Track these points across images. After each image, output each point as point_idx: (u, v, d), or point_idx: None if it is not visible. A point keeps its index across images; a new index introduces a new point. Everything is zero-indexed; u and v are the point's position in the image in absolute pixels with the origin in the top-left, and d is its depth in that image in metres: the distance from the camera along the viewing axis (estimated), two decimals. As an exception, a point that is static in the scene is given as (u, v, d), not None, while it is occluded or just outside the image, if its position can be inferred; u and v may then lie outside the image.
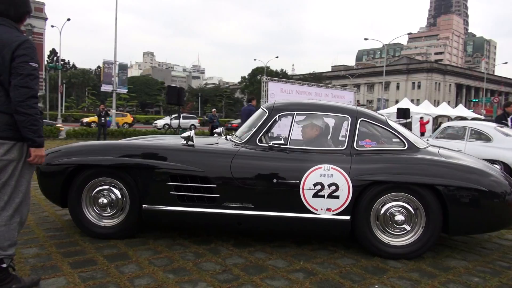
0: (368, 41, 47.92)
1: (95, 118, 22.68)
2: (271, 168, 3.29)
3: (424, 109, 23.76)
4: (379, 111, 25.36)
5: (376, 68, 72.38)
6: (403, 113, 19.20)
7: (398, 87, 67.18)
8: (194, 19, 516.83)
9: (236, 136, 3.82)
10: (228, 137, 4.02)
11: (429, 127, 21.50)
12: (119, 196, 3.40)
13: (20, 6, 2.34)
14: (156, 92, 73.30)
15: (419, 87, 65.50)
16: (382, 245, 3.23)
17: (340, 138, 3.63)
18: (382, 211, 3.24)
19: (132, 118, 32.66)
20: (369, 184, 3.20)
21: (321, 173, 3.22)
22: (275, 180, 3.23)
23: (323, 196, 3.20)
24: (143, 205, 3.33)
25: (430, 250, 3.47)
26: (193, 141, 3.44)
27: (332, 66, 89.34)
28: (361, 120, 3.51)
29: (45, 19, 65.62)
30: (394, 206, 3.24)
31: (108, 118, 16.80)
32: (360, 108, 3.76)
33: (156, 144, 3.64)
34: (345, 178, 3.20)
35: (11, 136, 2.25)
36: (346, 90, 17.60)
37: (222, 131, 4.49)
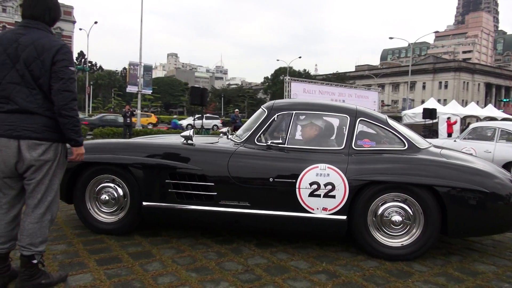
0: (393, 40, 47.18)
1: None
2: (268, 167, 3.30)
3: (451, 109, 23.13)
4: (405, 112, 24.90)
5: (401, 68, 70.97)
6: (429, 114, 18.77)
7: (424, 87, 65.68)
8: (217, 21, 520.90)
9: (237, 136, 3.84)
10: (229, 136, 4.04)
11: (456, 127, 20.90)
12: (121, 193, 3.48)
13: (55, 11, 2.42)
14: (179, 93, 74.24)
15: (446, 86, 63.84)
16: (379, 245, 3.20)
17: (339, 137, 3.60)
18: (380, 211, 3.21)
19: (156, 119, 33.22)
20: (366, 184, 3.17)
21: (317, 173, 3.21)
22: (271, 179, 3.24)
23: (319, 196, 3.19)
24: (143, 203, 3.40)
25: (457, 254, 3.39)
26: (192, 140, 3.50)
27: (355, 66, 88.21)
28: (360, 120, 3.49)
29: (74, 22, 67.57)
30: (391, 206, 3.20)
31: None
32: (360, 108, 3.73)
33: (155, 143, 3.71)
34: (341, 177, 3.18)
35: (48, 138, 2.32)
36: (370, 90, 17.34)
37: (228, 131, 4.51)
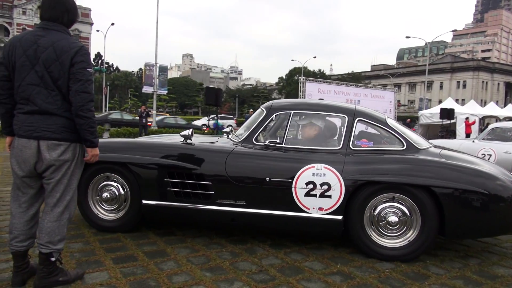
0: (409, 39, 46.58)
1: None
2: (264, 167, 3.31)
3: (469, 109, 22.68)
4: (421, 112, 24.54)
5: (418, 67, 69.92)
6: (447, 114, 18.44)
7: (441, 87, 64.57)
8: (231, 21, 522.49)
9: (236, 135, 3.86)
10: (229, 136, 4.06)
11: (475, 128, 20.48)
12: (122, 192, 3.53)
13: (73, 13, 2.45)
14: (194, 93, 74.69)
15: (464, 86, 62.64)
16: (375, 246, 3.18)
17: (337, 137, 3.60)
18: (376, 212, 3.19)
19: (171, 119, 33.39)
20: (362, 184, 3.15)
21: (313, 172, 3.20)
22: (268, 179, 3.24)
23: (315, 196, 3.19)
24: (143, 201, 3.44)
25: (475, 257, 3.32)
26: (191, 140, 3.53)
27: (371, 66, 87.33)
28: (358, 120, 3.48)
29: (91, 24, 68.66)
30: (388, 207, 3.18)
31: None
32: (359, 108, 3.71)
33: (155, 142, 3.75)
34: (337, 177, 3.17)
35: (67, 138, 2.37)
36: (386, 90, 17.15)
37: (231, 130, 4.52)
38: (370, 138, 3.52)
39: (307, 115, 3.77)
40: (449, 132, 20.59)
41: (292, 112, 3.61)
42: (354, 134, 3.42)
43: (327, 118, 3.78)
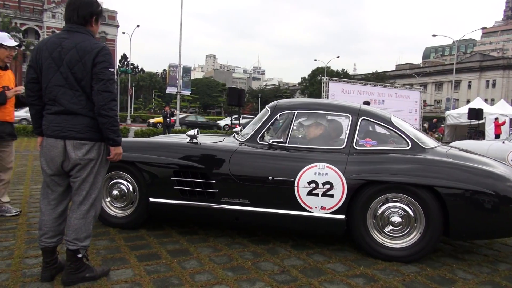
0: (436, 37, 45.47)
1: (160, 119, 23.83)
2: (267, 166, 3.32)
3: (499, 109, 21.94)
4: (448, 112, 23.92)
5: (445, 66, 68.15)
6: (475, 114, 17.94)
7: (469, 86, 62.73)
8: (254, 22, 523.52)
9: (241, 135, 3.87)
10: (235, 135, 4.07)
11: (505, 128, 19.80)
12: (131, 190, 3.61)
13: (82, 8, 2.45)
14: (217, 94, 75.23)
15: (493, 85, 60.63)
16: (378, 246, 3.14)
17: (340, 137, 3.56)
18: (379, 211, 3.15)
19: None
20: (365, 184, 3.11)
21: (315, 172, 3.19)
22: (271, 178, 3.24)
23: (317, 195, 3.17)
24: (149, 199, 3.50)
25: (505, 262, 3.21)
26: (197, 139, 3.56)
27: (396, 65, 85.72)
28: (362, 119, 3.45)
29: (117, 26, 70.18)
30: (391, 207, 3.14)
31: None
32: (364, 107, 3.67)
33: (162, 141, 3.81)
34: (339, 177, 3.15)
35: (91, 137, 2.42)
36: (412, 89, 16.81)
37: (241, 130, 4.53)
38: (374, 137, 3.49)
39: (311, 115, 3.74)
40: (477, 132, 19.99)
41: (296, 111, 3.61)
42: (357, 134, 3.40)
43: (331, 117, 3.77)
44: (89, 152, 2.42)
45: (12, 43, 3.73)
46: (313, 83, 59.08)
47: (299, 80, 76.66)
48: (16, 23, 61.04)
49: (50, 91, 2.41)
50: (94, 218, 2.54)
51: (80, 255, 2.47)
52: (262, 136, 3.58)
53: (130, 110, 40.02)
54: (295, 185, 3.21)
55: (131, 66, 65.88)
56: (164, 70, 77.27)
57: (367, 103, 12.13)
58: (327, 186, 3.17)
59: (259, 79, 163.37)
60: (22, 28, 64.32)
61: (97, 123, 2.41)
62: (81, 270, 2.49)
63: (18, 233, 3.42)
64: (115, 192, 3.63)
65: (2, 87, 3.67)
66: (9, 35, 3.78)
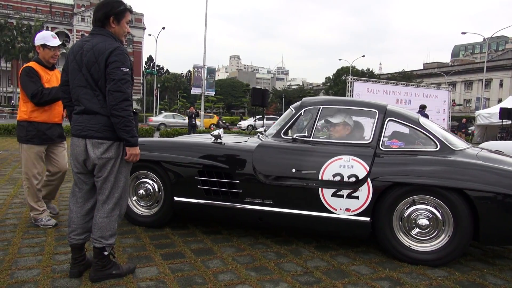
0: (466, 35, 44.09)
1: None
2: (290, 159, 3.30)
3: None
4: (479, 111, 23.18)
5: (475, 65, 66.02)
6: (507, 113, 17.27)
7: (501, 85, 60.52)
8: (277, 22, 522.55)
9: (265, 135, 3.87)
10: (260, 136, 4.06)
11: (539, 129, 19.00)
12: (156, 189, 3.67)
13: (97, 10, 2.52)
14: (241, 94, 75.57)
15: (527, 84, 58.30)
16: (405, 249, 3.08)
17: (365, 133, 3.52)
18: (406, 214, 3.08)
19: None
20: (391, 185, 3.04)
21: (341, 164, 3.18)
22: (294, 170, 3.22)
23: (342, 196, 3.13)
24: (174, 198, 3.54)
25: (539, 268, 3.08)
26: (221, 139, 3.57)
27: (423, 64, 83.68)
28: (389, 120, 3.38)
29: (144, 28, 71.57)
30: (418, 209, 3.07)
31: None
32: (390, 107, 3.58)
33: (186, 141, 3.84)
34: (365, 169, 3.11)
35: (109, 137, 2.47)
36: (440, 89, 16.38)
37: (265, 129, 4.51)
38: (400, 138, 3.41)
39: (336, 111, 3.69)
40: (509, 133, 19.27)
41: (321, 107, 3.58)
42: (384, 134, 3.33)
43: (358, 116, 3.73)
44: (106, 151, 2.47)
45: (55, 42, 3.61)
46: (338, 83, 58.43)
47: (323, 80, 75.96)
48: (47, 27, 63.18)
49: (74, 92, 2.51)
50: (119, 216, 2.60)
51: (106, 253, 2.53)
52: (287, 132, 3.58)
53: (156, 111, 40.68)
54: (319, 177, 3.18)
55: (157, 68, 66.99)
56: (189, 71, 78.25)
57: (423, 106, 12.04)
58: (353, 179, 3.12)
59: (282, 79, 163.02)
60: (53, 32, 66.51)
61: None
62: (108, 267, 2.55)
63: (48, 230, 3.53)
64: (141, 191, 3.70)
65: (52, 88, 3.53)
66: (53, 34, 3.67)
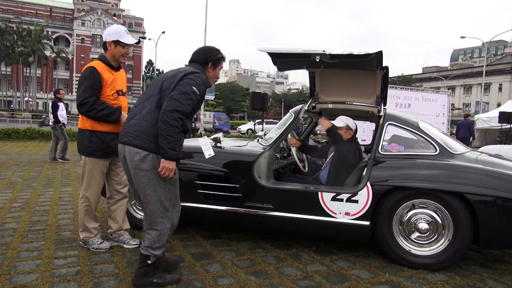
0: (465, 39, 44.25)
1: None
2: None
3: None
4: (478, 115, 23.20)
5: (474, 69, 66.12)
6: (506, 117, 17.28)
7: (500, 89, 60.63)
8: (277, 26, 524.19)
9: (265, 139, 3.87)
10: (259, 140, 4.07)
11: (539, 133, 19.01)
12: None
13: (199, 54, 2.62)
14: (241, 98, 75.61)
15: (526, 88, 58.37)
16: (404, 253, 3.07)
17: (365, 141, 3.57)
18: (406, 218, 3.08)
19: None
20: (390, 189, 3.05)
21: None
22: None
23: (341, 200, 3.13)
24: None
25: (539, 272, 3.07)
26: (221, 143, 3.56)
27: (423, 68, 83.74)
28: (388, 124, 3.39)
29: (144, 33, 71.59)
30: (418, 213, 3.07)
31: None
32: (390, 111, 3.61)
33: (186, 145, 3.79)
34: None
35: (145, 147, 2.37)
36: (439, 93, 16.40)
37: (265, 134, 4.52)
38: (400, 142, 3.43)
39: (338, 118, 3.77)
40: (509, 137, 19.28)
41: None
42: (383, 138, 3.34)
43: (358, 121, 3.80)
44: (142, 162, 2.38)
45: (130, 40, 3.15)
46: (337, 87, 58.41)
47: (323, 84, 75.89)
48: (47, 31, 63.31)
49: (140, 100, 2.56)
50: (169, 229, 2.53)
51: (149, 262, 2.50)
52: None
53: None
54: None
55: (157, 72, 67.03)
56: (189, 75, 78.00)
57: (466, 115, 12.45)
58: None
59: (282, 83, 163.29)
60: (53, 36, 66.65)
61: (156, 133, 2.35)
62: (150, 275, 2.51)
63: (47, 234, 3.52)
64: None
65: (116, 92, 3.14)
66: (126, 29, 3.19)
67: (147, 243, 2.49)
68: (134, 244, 3.29)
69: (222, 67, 2.72)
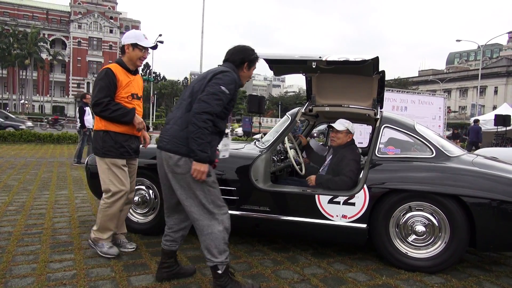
0: (460, 42, 44.51)
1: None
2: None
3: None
4: (473, 118, 23.30)
5: (470, 72, 66.56)
6: (502, 120, 17.38)
7: (496, 92, 61.00)
8: (273, 29, 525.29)
9: (262, 142, 3.88)
10: (256, 142, 4.07)
11: (534, 135, 19.12)
12: (152, 196, 3.69)
13: (235, 53, 2.58)
14: (238, 101, 75.59)
15: (522, 91, 58.73)
16: (401, 255, 3.08)
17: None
18: (402, 220, 3.09)
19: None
20: (387, 192, 3.06)
21: None
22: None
23: (338, 203, 3.14)
24: None
25: (535, 275, 3.08)
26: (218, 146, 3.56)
27: (419, 71, 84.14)
28: (384, 126, 3.41)
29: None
30: (415, 216, 3.08)
31: None
32: (386, 114, 3.63)
33: None
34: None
35: (177, 151, 2.38)
36: (435, 96, 16.49)
37: (261, 136, 4.53)
38: (396, 145, 3.44)
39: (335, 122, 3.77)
40: (504, 139, 19.38)
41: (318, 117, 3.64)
42: (380, 141, 3.35)
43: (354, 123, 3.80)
44: (176, 165, 2.38)
45: (147, 43, 3.16)
46: (334, 90, 58.58)
47: (320, 87, 76.05)
48: (44, 34, 63.18)
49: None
50: (223, 232, 2.44)
51: (220, 271, 2.42)
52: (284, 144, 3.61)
53: (152, 118, 40.65)
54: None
55: (153, 74, 67.05)
56: (186, 78, 78.39)
57: (476, 121, 12.74)
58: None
59: (279, 86, 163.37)
60: (50, 39, 66.51)
61: (188, 136, 2.34)
62: (228, 285, 2.44)
63: (43, 237, 3.51)
64: (136, 198, 3.68)
65: (130, 95, 3.12)
66: (144, 33, 3.20)
67: (206, 253, 2.43)
68: (131, 248, 3.26)
69: (255, 67, 2.69)
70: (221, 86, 2.36)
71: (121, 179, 3.08)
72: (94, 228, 3.14)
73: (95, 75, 61.89)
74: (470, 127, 14.62)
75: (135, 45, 3.11)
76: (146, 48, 3.16)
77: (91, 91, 7.05)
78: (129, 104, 3.10)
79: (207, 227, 2.41)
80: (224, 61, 2.60)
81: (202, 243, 2.44)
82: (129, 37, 3.13)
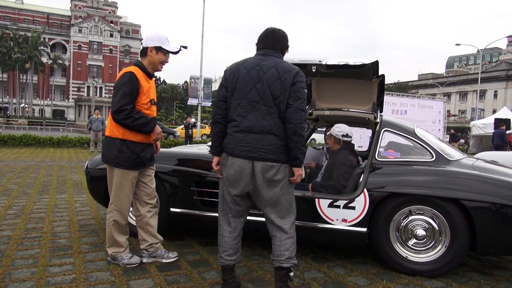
0: (460, 46, 44.65)
1: (182, 130, 24.15)
2: None
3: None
4: (474, 122, 23.33)
5: (469, 75, 66.69)
6: (502, 124, 17.40)
7: (495, 96, 61.10)
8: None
9: None
10: None
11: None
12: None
13: (282, 42, 2.52)
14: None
15: (521, 94, 58.80)
16: (402, 260, 3.07)
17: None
18: (402, 224, 3.09)
19: (210, 129, 34.09)
20: (387, 196, 3.05)
21: None
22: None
23: (338, 207, 3.13)
24: (170, 208, 3.53)
25: (536, 279, 3.07)
26: None
27: (419, 75, 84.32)
28: (384, 130, 3.41)
29: (141, 39, 71.78)
30: (415, 220, 3.07)
31: None
32: (386, 118, 3.63)
33: (182, 152, 3.84)
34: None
35: (279, 159, 2.36)
36: (435, 99, 16.51)
37: None
38: (396, 148, 3.45)
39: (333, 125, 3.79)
40: (504, 143, 19.38)
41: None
42: (380, 145, 3.35)
43: (353, 127, 3.82)
44: (276, 174, 2.37)
45: (171, 48, 3.03)
46: (334, 94, 58.67)
47: (320, 91, 76.17)
48: (44, 38, 63.35)
49: (243, 107, 2.39)
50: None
51: (292, 274, 2.45)
52: None
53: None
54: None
55: (154, 78, 67.17)
56: (186, 81, 78.46)
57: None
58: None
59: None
60: (50, 43, 66.75)
61: (284, 143, 2.36)
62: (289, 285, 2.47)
63: (43, 241, 3.50)
64: None
65: (150, 101, 3.00)
66: (167, 37, 3.04)
67: (287, 255, 2.42)
68: (174, 257, 3.14)
69: None
70: (306, 90, 2.42)
71: (130, 196, 3.00)
72: (107, 245, 3.04)
73: (95, 79, 61.77)
74: (494, 131, 14.66)
75: (159, 49, 2.96)
76: (169, 52, 3.03)
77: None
78: (149, 111, 2.98)
79: (293, 228, 2.49)
80: (266, 47, 2.49)
81: (284, 246, 2.44)
82: (152, 40, 2.96)
